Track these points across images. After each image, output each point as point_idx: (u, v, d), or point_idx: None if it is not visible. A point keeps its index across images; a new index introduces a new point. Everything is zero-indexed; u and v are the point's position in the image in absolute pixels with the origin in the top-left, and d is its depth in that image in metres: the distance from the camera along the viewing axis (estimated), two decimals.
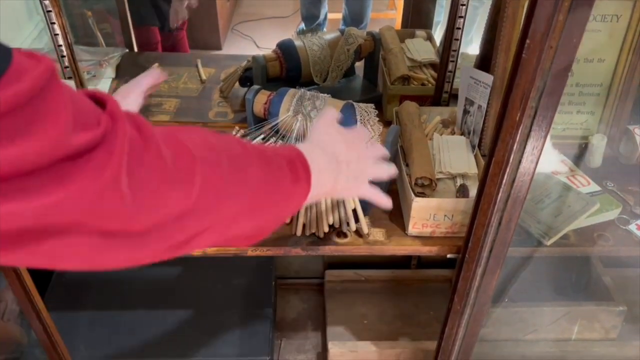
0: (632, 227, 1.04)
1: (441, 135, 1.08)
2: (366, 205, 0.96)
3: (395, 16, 3.28)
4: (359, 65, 1.35)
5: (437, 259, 1.59)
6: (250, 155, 0.52)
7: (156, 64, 1.42)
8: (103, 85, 1.37)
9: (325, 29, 3.04)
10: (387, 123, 1.15)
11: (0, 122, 0.31)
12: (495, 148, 0.76)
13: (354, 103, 1.08)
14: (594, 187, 1.10)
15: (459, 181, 1.00)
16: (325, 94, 1.10)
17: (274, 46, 1.27)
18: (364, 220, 0.97)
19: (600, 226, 1.04)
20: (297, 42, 1.26)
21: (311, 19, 2.98)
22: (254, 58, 1.23)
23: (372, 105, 1.10)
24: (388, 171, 0.72)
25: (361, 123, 1.05)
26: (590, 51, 1.10)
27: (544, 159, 0.75)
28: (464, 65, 1.14)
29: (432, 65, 1.28)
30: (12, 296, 1.30)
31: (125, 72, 1.40)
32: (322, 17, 3.00)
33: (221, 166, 0.47)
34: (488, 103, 1.01)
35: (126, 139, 0.38)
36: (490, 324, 1.31)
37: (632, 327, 1.36)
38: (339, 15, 2.98)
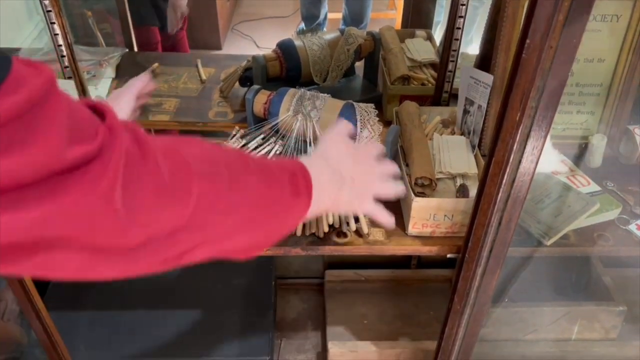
0: (632, 227, 1.04)
1: (441, 135, 1.08)
2: None
3: (395, 16, 3.28)
4: (359, 65, 1.35)
5: (437, 258, 1.59)
6: (251, 170, 0.52)
7: (156, 64, 1.43)
8: (103, 85, 1.37)
9: (325, 29, 3.04)
10: (387, 123, 1.15)
11: None
12: (495, 148, 0.76)
13: (354, 103, 1.08)
14: (594, 187, 1.10)
15: (459, 181, 1.00)
16: (325, 94, 1.10)
17: (274, 46, 1.27)
18: (363, 220, 0.97)
19: (600, 226, 1.04)
20: (297, 42, 1.26)
21: (311, 19, 2.98)
22: (254, 58, 1.23)
23: (372, 105, 1.10)
24: (395, 189, 0.70)
25: (361, 123, 1.05)
26: (590, 51, 1.10)
27: (544, 159, 0.75)
28: (464, 65, 1.14)
29: (432, 65, 1.28)
30: (12, 296, 1.30)
31: (125, 72, 1.40)
32: (322, 17, 3.00)
33: (220, 182, 0.47)
34: (488, 103, 1.01)
35: (123, 153, 0.37)
36: (490, 324, 1.31)
37: (632, 327, 1.36)
38: (339, 15, 2.98)
